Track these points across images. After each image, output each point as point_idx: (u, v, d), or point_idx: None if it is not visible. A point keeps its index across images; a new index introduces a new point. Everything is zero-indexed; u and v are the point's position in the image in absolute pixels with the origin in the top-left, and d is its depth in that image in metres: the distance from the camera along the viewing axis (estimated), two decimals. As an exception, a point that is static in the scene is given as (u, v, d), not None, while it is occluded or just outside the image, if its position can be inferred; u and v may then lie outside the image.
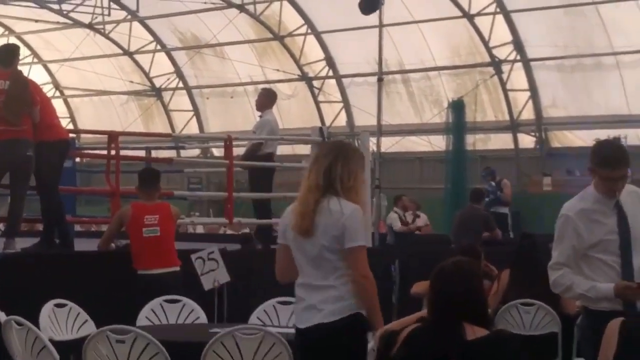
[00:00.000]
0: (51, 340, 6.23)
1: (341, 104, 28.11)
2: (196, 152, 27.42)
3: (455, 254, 5.46)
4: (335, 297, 5.16)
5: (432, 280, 4.43)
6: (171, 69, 30.92)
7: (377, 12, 14.82)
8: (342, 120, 28.12)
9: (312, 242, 5.18)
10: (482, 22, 24.70)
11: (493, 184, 17.83)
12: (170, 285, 8.46)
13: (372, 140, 14.62)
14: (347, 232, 5.13)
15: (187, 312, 7.98)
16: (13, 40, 31.40)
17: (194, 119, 31.17)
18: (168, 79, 31.17)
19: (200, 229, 18.31)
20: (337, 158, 5.22)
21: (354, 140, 17.79)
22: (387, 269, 11.24)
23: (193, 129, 30.59)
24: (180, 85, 31.15)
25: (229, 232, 16.94)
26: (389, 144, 25.14)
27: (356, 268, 5.13)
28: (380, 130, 15.10)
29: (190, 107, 31.25)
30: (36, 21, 29.57)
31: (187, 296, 8.13)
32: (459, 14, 24.65)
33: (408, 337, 4.31)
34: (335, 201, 5.18)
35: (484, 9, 24.36)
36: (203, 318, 7.98)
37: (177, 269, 8.75)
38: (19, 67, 9.41)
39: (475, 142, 25.68)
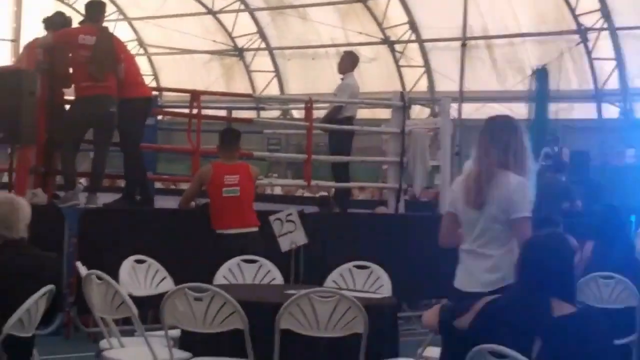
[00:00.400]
0: (130, 295, 6.32)
1: (423, 69, 27.91)
2: (276, 113, 27.50)
3: (533, 225, 5.41)
4: (492, 267, 5.42)
5: (523, 254, 4.38)
6: (254, 29, 30.97)
7: (463, -24, 14.64)
8: (423, 85, 27.94)
9: (481, 212, 5.44)
10: (570, -11, 24.30)
11: (556, 148, 17.59)
12: (248, 245, 8.52)
13: (453, 106, 14.52)
14: (514, 204, 5.38)
15: (263, 272, 8.02)
16: (99, -4, 31.75)
17: (275, 80, 31.23)
18: (250, 39, 31.23)
19: (278, 190, 18.39)
20: (512, 133, 5.47)
21: (434, 105, 17.65)
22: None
23: (274, 90, 30.65)
24: (263, 45, 31.20)
25: (306, 194, 16.98)
26: (470, 111, 24.85)
27: (520, 237, 5.28)
28: (461, 97, 15.02)
29: (272, 68, 31.30)
30: (123, -22, 29.86)
31: (265, 257, 8.18)
32: (547, -20, 24.27)
33: (486, 308, 4.26)
34: (506, 174, 5.41)
35: (572, -25, 23.95)
36: (279, 279, 8.01)
37: (256, 229, 8.80)
38: (105, 24, 9.50)
39: (558, 110, 25.32)
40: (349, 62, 12.41)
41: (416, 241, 10.47)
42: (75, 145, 9.15)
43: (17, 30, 32.09)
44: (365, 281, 7.92)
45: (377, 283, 7.86)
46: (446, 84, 25.06)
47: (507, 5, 25.38)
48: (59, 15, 9.93)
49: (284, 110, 26.03)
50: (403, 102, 12.09)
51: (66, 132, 9.01)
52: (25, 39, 14.20)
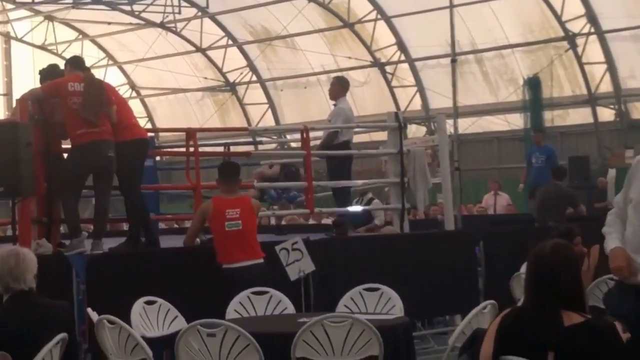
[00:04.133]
0: (143, 337, 6.32)
1: (415, 88, 27.97)
2: (274, 144, 27.55)
3: (553, 237, 5.39)
4: None
5: (530, 265, 4.33)
6: (244, 63, 31.08)
7: (447, -8, 14.70)
8: (417, 104, 28.00)
9: None
10: (554, -3, 24.40)
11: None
12: (255, 277, 8.50)
13: (449, 122, 14.54)
14: None
15: (274, 303, 8.02)
16: (87, 43, 31.92)
17: (269, 111, 31.30)
18: (241, 73, 31.33)
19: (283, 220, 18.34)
20: None
21: (430, 123, 17.60)
22: (471, 252, 11.17)
23: (269, 121, 30.72)
24: (254, 78, 31.29)
25: (311, 222, 16.95)
26: (466, 125, 24.97)
27: None
28: (456, 112, 15.02)
29: (265, 100, 31.37)
30: (109, 23, 29.94)
31: (273, 287, 8.17)
32: (530, -11, 24.36)
33: (501, 325, 4.22)
34: None
35: (555, -17, 24.04)
36: (291, 308, 8.01)
37: (261, 260, 8.79)
38: (95, 70, 9.54)
39: (554, 118, 25.37)
40: (339, 88, 12.44)
41: (424, 259, 10.47)
42: (77, 193, 9.16)
43: (9, 84, 32.31)
44: (376, 303, 7.92)
45: (389, 304, 7.86)
46: (440, 100, 25.11)
47: (492, 17, 25.49)
48: (54, 67, 9.97)
49: (281, 140, 26.05)
50: (398, 123, 12.11)
51: (66, 181, 9.02)
52: (17, 93, 14.31)
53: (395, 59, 28.02)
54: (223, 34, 30.33)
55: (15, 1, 27.96)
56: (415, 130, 27.57)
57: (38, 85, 9.68)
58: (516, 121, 25.30)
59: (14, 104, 10.63)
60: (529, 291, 4.29)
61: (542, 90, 24.32)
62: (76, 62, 9.36)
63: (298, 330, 5.93)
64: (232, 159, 11.55)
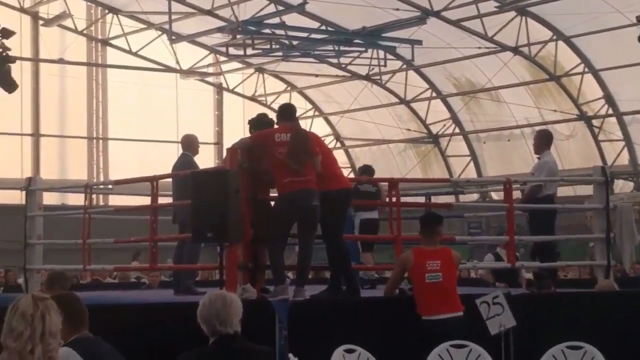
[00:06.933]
0: (342, 385, 6.38)
1: (623, 142, 27.26)
2: (475, 196, 27.35)
3: None
4: None
5: None
6: (447, 115, 31.11)
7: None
8: (624, 159, 27.27)
9: None
10: None
11: None
12: (455, 330, 8.46)
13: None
14: None
15: (474, 357, 7.95)
16: (295, 95, 32.73)
17: (472, 163, 31.15)
18: (444, 125, 31.36)
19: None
20: None
21: (638, 179, 17.13)
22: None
23: (471, 173, 30.58)
24: (457, 130, 31.25)
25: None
26: (677, 181, 24.13)
27: None
28: (666, 167, 14.53)
29: (467, 152, 31.26)
30: (316, 76, 30.65)
31: (473, 341, 8.10)
32: None
33: None
34: None
35: None
36: (490, 363, 7.92)
37: (461, 313, 8.74)
38: (302, 121, 9.77)
39: None
40: (543, 141, 12.28)
41: (631, 318, 10.13)
42: (282, 240, 9.37)
43: (220, 134, 33.48)
44: (578, 362, 7.73)
45: (592, 363, 7.66)
46: (648, 156, 24.41)
47: None
48: (263, 116, 10.31)
49: (483, 193, 25.88)
50: (605, 177, 11.83)
51: (272, 229, 9.24)
52: (227, 142, 14.76)
53: (602, 112, 27.43)
54: (427, 86, 30.49)
55: (228, 54, 28.99)
56: (622, 186, 26.83)
57: (247, 134, 10.00)
58: None
59: (224, 153, 11.01)
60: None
61: None
62: (285, 113, 9.61)
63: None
64: (434, 210, 11.56)
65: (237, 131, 24.09)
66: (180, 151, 11.50)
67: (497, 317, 8.52)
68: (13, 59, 15.99)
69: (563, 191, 14.65)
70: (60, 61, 30.07)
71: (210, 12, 27.02)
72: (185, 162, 11.06)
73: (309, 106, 33.32)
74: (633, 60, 23.98)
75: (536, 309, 9.61)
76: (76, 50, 30.78)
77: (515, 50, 27.05)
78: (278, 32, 25.61)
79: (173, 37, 26.97)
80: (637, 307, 10.32)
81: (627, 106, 26.62)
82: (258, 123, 9.97)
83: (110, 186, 20.60)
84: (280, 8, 25.01)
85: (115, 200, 24.44)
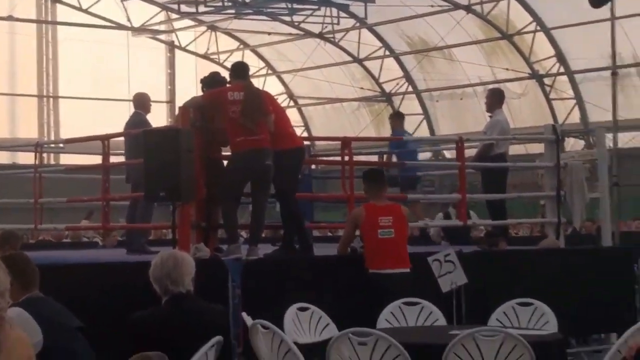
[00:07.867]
0: (295, 343, 6.41)
1: (574, 101, 27.48)
2: (427, 155, 27.45)
3: None
4: None
5: None
6: (400, 73, 31.14)
7: (609, 4, 14.38)
8: (575, 117, 27.50)
9: None
10: None
11: None
12: (400, 285, 8.51)
13: (608, 136, 14.24)
14: None
15: (426, 314, 8.02)
16: (248, 53, 32.54)
17: (424, 122, 31.25)
18: (397, 84, 31.40)
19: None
20: None
21: (588, 136, 17.30)
22: (628, 268, 10.89)
23: (424, 132, 30.68)
24: (410, 89, 31.31)
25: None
26: (626, 140, 24.36)
27: None
28: (616, 126, 14.73)
29: (421, 111, 31.35)
30: (269, 34, 30.49)
31: (424, 298, 8.16)
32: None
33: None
34: None
35: None
36: (442, 320, 7.99)
37: (408, 270, 8.79)
38: (254, 79, 9.73)
39: None
40: (495, 99, 12.34)
41: (579, 275, 10.27)
42: (235, 199, 9.35)
43: (172, 92, 33.26)
44: (529, 318, 7.82)
45: (542, 320, 7.75)
46: (599, 114, 24.57)
47: (657, 29, 24.82)
48: (215, 75, 10.22)
49: (435, 151, 25.98)
50: (556, 135, 11.93)
51: (226, 188, 9.22)
52: (180, 100, 14.68)
53: (554, 71, 27.60)
54: (380, 44, 30.48)
55: (180, 11, 28.74)
56: (573, 144, 27.07)
57: (200, 93, 9.94)
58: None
59: (177, 111, 10.93)
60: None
61: None
62: (238, 71, 9.56)
63: (449, 342, 5.92)
64: (384, 168, 11.59)
65: (189, 90, 23.96)
66: (133, 110, 11.39)
67: (449, 275, 8.57)
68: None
69: (515, 149, 14.76)
70: (9, 18, 29.63)
71: (161, -31, 26.75)
72: (137, 121, 10.96)
73: (262, 64, 33.18)
74: (584, 19, 24.10)
75: (487, 267, 9.71)
76: (25, 7, 30.35)
77: (468, 8, 27.09)
78: (230, -11, 25.42)
79: (124, -6, 26.68)
80: (580, 262, 10.48)
81: (579, 65, 26.80)
82: (211, 81, 9.89)
83: (61, 145, 20.42)
84: (233, -35, 24.81)
85: (67, 160, 24.22)
